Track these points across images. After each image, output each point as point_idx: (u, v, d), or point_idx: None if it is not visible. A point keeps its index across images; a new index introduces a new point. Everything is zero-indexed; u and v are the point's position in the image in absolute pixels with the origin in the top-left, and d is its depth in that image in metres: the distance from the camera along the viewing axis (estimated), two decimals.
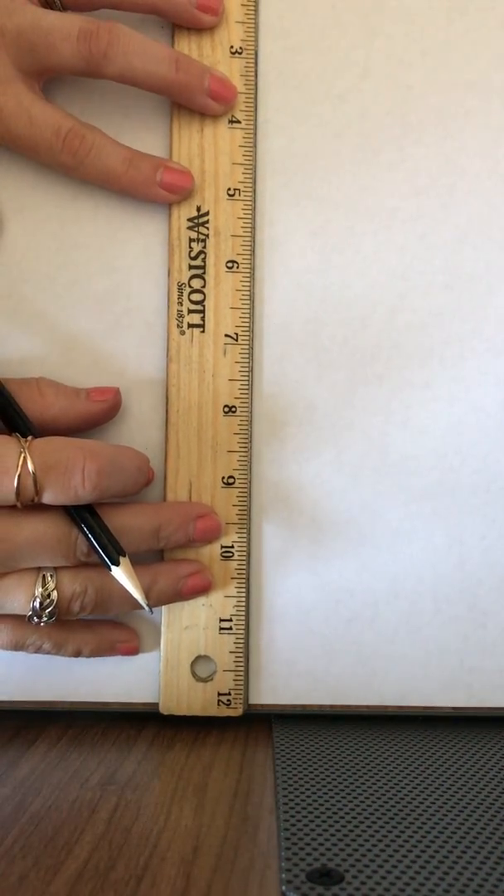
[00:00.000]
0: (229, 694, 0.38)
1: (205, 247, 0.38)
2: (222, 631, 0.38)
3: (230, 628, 0.38)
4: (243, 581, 0.39)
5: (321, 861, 0.28)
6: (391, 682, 0.39)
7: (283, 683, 0.39)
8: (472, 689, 0.39)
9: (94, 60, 0.35)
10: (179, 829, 0.30)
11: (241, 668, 0.39)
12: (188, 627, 0.38)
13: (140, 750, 0.37)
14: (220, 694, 0.38)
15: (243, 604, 0.39)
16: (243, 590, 0.39)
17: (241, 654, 0.39)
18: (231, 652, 0.38)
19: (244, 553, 0.39)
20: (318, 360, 0.39)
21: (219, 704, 0.38)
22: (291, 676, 0.39)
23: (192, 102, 0.37)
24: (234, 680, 0.38)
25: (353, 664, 0.39)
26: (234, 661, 0.38)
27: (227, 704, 0.38)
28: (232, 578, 0.38)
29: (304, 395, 0.39)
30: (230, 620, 0.38)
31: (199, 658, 0.39)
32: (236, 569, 0.38)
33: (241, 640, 0.38)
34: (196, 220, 0.38)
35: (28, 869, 0.27)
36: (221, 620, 0.38)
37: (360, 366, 0.39)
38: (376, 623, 0.39)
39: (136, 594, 0.35)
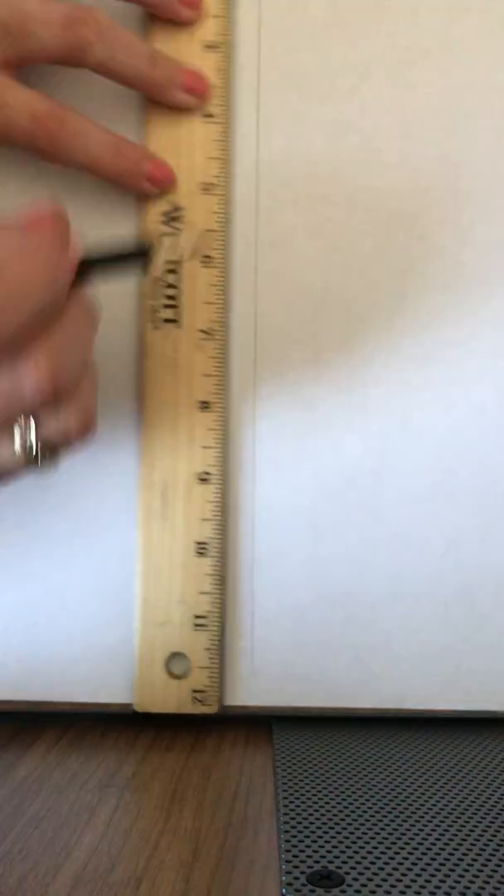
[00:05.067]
0: (204, 691, 0.38)
1: (178, 242, 0.38)
2: (197, 627, 0.38)
3: (205, 625, 0.38)
4: (218, 577, 0.38)
5: (322, 863, 0.28)
6: (389, 685, 0.39)
7: (278, 685, 0.39)
8: (470, 691, 0.39)
9: (78, 48, 0.34)
10: (179, 832, 0.30)
11: (216, 665, 0.38)
12: (163, 624, 0.38)
13: (139, 752, 0.37)
14: (194, 691, 0.38)
15: (218, 600, 0.38)
16: (218, 586, 0.38)
17: (215, 651, 0.38)
18: (206, 649, 0.38)
19: (219, 549, 0.38)
20: (317, 361, 0.39)
21: (193, 702, 0.38)
22: (287, 678, 0.39)
23: (166, 98, 0.37)
24: (209, 677, 0.38)
25: (350, 666, 0.39)
26: (209, 658, 0.38)
27: (202, 702, 0.38)
28: (206, 575, 0.38)
29: (303, 395, 0.39)
30: (205, 617, 0.38)
31: (173, 655, 0.38)
32: (211, 565, 0.38)
33: (216, 637, 0.38)
34: (170, 215, 0.38)
35: (27, 871, 0.27)
36: (196, 617, 0.38)
37: (358, 366, 0.39)
38: (374, 625, 0.39)
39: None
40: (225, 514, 0.39)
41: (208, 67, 0.38)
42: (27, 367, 0.28)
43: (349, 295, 0.39)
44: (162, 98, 0.37)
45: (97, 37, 0.34)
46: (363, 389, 0.39)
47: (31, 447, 0.29)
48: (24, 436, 0.29)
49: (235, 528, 0.39)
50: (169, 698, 0.38)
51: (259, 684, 0.39)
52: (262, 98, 0.39)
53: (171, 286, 0.38)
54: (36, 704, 0.39)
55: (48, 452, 0.30)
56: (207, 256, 0.38)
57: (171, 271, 0.38)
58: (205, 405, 0.38)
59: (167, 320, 0.38)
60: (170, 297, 0.38)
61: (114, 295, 0.38)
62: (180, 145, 0.38)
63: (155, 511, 0.38)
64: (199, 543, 0.38)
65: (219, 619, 0.39)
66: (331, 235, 0.39)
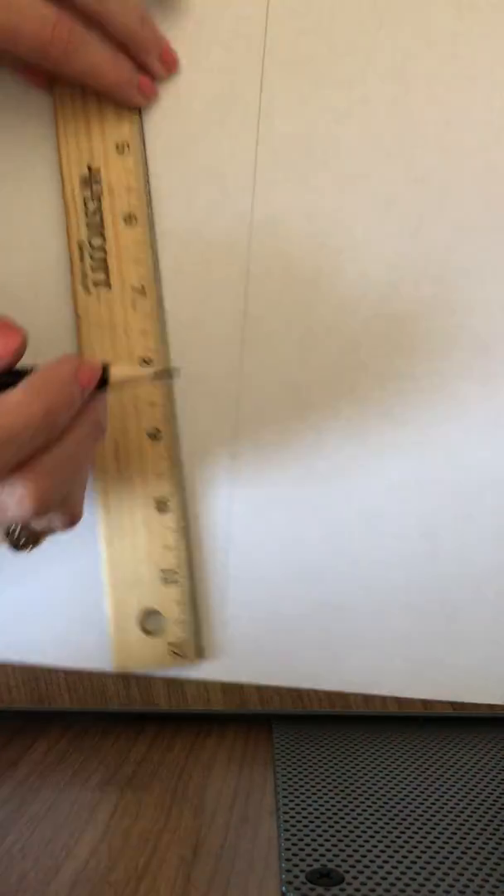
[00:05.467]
0: (181, 644, 0.39)
1: (100, 204, 0.38)
2: (166, 583, 0.38)
3: (174, 580, 0.38)
4: (182, 532, 0.38)
5: (321, 862, 0.28)
6: (357, 670, 0.39)
7: (247, 663, 0.39)
8: (437, 682, 0.39)
9: None
10: (179, 830, 0.30)
11: (190, 618, 0.39)
12: (132, 583, 0.38)
13: (140, 751, 0.37)
14: (170, 644, 0.38)
15: (184, 554, 0.39)
16: (182, 541, 0.39)
17: (188, 605, 0.39)
18: (178, 602, 0.38)
19: (179, 504, 0.38)
20: (304, 344, 0.39)
21: (171, 655, 0.38)
22: (256, 656, 0.39)
23: (144, 60, 0.37)
24: (184, 630, 0.38)
25: (319, 648, 0.39)
26: (182, 612, 0.38)
27: (180, 655, 0.38)
28: (169, 530, 0.38)
29: (289, 377, 0.39)
30: (173, 572, 0.38)
31: (146, 613, 0.39)
32: (173, 520, 0.38)
33: (187, 591, 0.38)
34: (88, 178, 0.38)
35: (27, 870, 0.27)
36: (163, 572, 0.38)
37: (345, 352, 0.39)
38: (345, 610, 0.39)
39: (147, 371, 0.33)
40: (189, 481, 0.39)
41: None
42: (11, 495, 0.28)
43: (340, 283, 0.39)
44: (140, 58, 0.37)
45: None
46: (351, 376, 0.39)
47: (14, 538, 0.31)
48: (10, 531, 0.31)
49: (214, 508, 0.39)
50: (146, 655, 0.38)
51: (228, 661, 0.39)
52: (265, 82, 0.39)
53: (99, 249, 0.38)
54: (31, 691, 0.39)
55: (31, 540, 0.31)
56: (131, 216, 0.38)
57: (99, 234, 0.38)
58: (146, 361, 0.38)
59: (98, 283, 0.38)
60: (97, 260, 0.38)
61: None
62: (89, 107, 0.38)
63: (110, 472, 0.38)
64: (158, 500, 0.38)
65: (187, 573, 0.39)
66: (324, 221, 0.39)
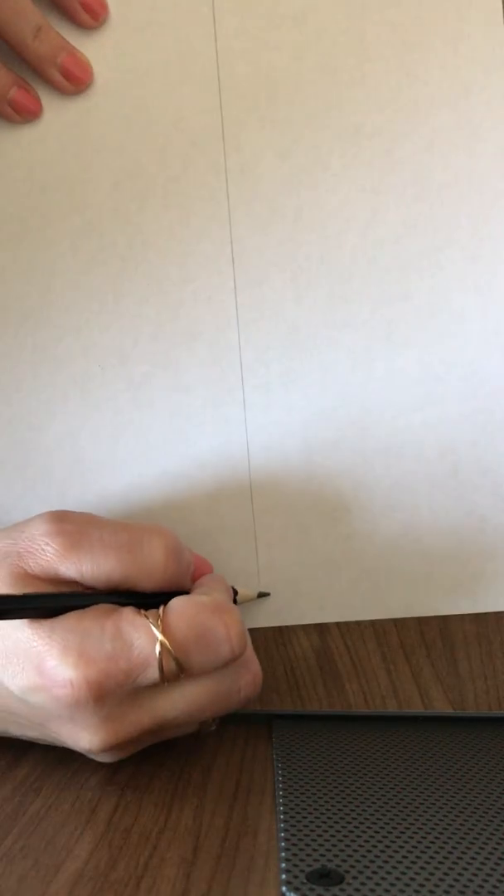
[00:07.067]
0: None
1: None
2: None
3: None
4: None
5: (321, 862, 0.28)
6: (396, 594, 0.39)
7: (288, 604, 0.39)
8: (476, 594, 0.39)
9: None
10: (179, 830, 0.30)
11: None
12: None
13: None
14: None
15: None
16: None
17: None
18: None
19: None
20: (296, 281, 0.39)
21: None
22: (297, 596, 0.39)
23: (42, 73, 0.37)
24: None
25: (356, 579, 0.39)
26: None
27: None
28: None
29: (285, 317, 0.39)
30: None
31: None
32: None
33: None
34: None
35: (28, 869, 0.27)
36: None
37: (338, 283, 0.39)
38: (376, 538, 0.39)
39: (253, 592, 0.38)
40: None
41: None
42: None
43: (323, 216, 0.39)
44: (38, 71, 0.37)
45: None
46: (344, 306, 0.39)
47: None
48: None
49: (230, 454, 0.39)
50: None
51: (269, 605, 0.39)
52: (218, 29, 0.39)
53: None
54: None
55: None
56: None
57: None
58: None
59: None
60: None
61: None
62: None
63: None
64: None
65: None
66: (298, 156, 0.39)
